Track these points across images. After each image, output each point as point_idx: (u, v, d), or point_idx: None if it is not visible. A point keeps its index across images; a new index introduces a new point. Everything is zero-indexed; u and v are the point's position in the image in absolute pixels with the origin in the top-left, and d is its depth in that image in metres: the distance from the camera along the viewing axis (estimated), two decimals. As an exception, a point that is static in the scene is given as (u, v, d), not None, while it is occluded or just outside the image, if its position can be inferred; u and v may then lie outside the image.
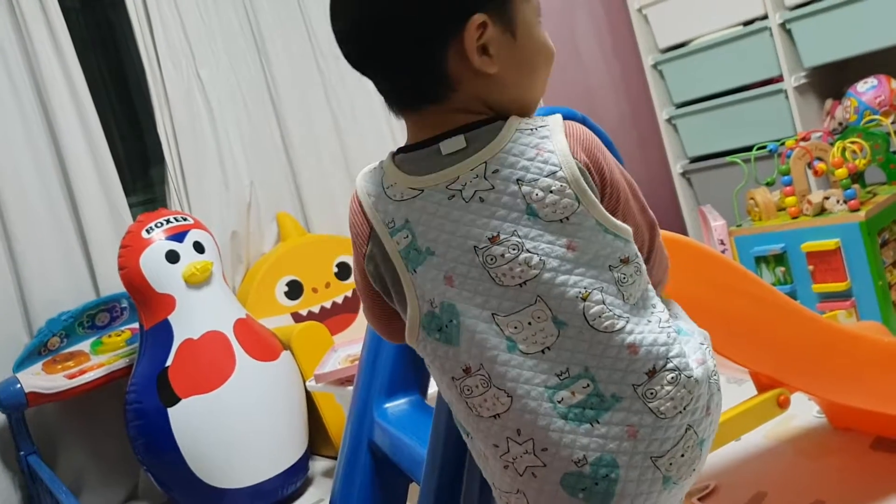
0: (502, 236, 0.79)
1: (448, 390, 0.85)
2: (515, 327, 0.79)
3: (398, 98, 0.86)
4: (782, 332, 1.39)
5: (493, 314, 0.80)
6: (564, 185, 0.79)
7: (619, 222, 0.81)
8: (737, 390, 1.58)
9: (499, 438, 0.81)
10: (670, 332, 0.82)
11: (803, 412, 1.95)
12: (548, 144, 0.80)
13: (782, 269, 2.24)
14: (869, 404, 1.49)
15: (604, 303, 0.79)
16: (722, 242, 2.38)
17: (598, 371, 0.79)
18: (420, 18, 0.79)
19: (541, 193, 0.79)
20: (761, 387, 1.41)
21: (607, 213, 0.80)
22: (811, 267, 2.18)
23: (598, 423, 0.78)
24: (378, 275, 0.88)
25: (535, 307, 0.79)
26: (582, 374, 0.79)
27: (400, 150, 0.87)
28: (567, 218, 0.79)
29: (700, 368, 0.82)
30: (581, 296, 0.78)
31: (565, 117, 0.85)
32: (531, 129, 0.81)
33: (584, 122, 1.20)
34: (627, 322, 0.79)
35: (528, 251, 0.79)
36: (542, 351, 0.79)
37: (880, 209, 2.15)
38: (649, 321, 0.81)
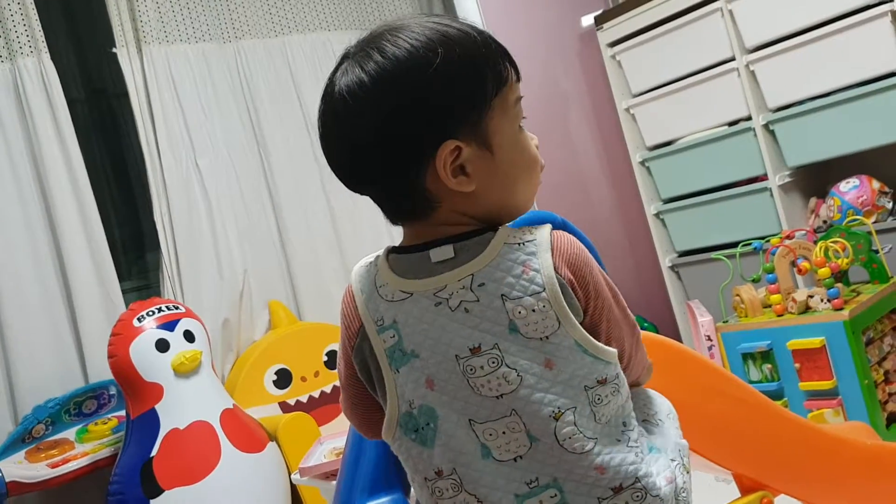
0: (483, 348, 0.81)
1: (420, 489, 0.87)
2: (491, 434, 0.81)
3: (388, 214, 0.89)
4: (764, 434, 1.39)
5: (469, 420, 0.82)
6: (547, 306, 0.81)
7: (600, 344, 0.83)
8: (725, 489, 1.57)
9: None
10: (639, 451, 0.84)
11: (791, 514, 1.92)
12: (534, 262, 0.82)
13: (769, 366, 2.25)
14: (853, 509, 1.48)
15: (575, 424, 0.81)
16: (709, 338, 2.40)
17: (565, 483, 0.81)
18: (396, 146, 0.83)
19: (524, 311, 0.81)
20: (744, 489, 1.40)
21: (588, 335, 0.82)
22: (797, 365, 2.19)
23: None
24: (365, 367, 0.90)
25: (510, 419, 0.81)
26: (550, 485, 0.81)
27: (394, 250, 0.90)
28: (547, 337, 0.81)
29: (668, 487, 0.84)
30: (553, 415, 0.80)
31: (544, 220, 0.87)
32: (518, 244, 0.83)
33: (564, 226, 1.23)
34: (596, 443, 0.81)
35: (507, 366, 0.80)
36: (515, 459, 0.81)
37: (864, 308, 2.18)
38: (619, 440, 0.83)
